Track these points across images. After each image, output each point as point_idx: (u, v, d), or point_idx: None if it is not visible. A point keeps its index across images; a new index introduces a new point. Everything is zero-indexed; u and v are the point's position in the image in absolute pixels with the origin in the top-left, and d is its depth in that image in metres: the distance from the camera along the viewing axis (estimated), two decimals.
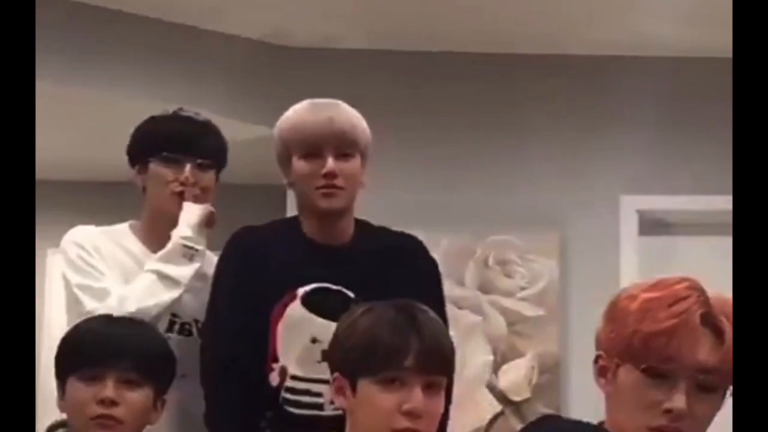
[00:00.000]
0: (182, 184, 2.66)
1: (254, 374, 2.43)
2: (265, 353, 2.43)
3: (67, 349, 2.32)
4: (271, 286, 2.45)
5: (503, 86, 5.22)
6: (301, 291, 2.43)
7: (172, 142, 2.69)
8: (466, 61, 5.24)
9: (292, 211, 5.05)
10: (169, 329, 2.64)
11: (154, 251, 2.68)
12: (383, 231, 2.59)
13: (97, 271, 2.61)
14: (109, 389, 2.20)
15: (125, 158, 2.80)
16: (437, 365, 2.00)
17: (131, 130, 2.80)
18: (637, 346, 1.73)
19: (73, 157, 6.33)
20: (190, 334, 2.66)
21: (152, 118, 2.77)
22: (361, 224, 2.58)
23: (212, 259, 2.72)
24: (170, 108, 2.81)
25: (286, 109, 2.67)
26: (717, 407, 1.78)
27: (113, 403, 2.20)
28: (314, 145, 2.47)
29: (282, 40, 5.16)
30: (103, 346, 2.25)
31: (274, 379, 2.43)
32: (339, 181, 2.46)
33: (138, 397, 2.24)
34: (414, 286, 2.36)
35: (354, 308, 2.11)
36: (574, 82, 5.23)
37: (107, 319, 2.41)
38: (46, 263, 6.73)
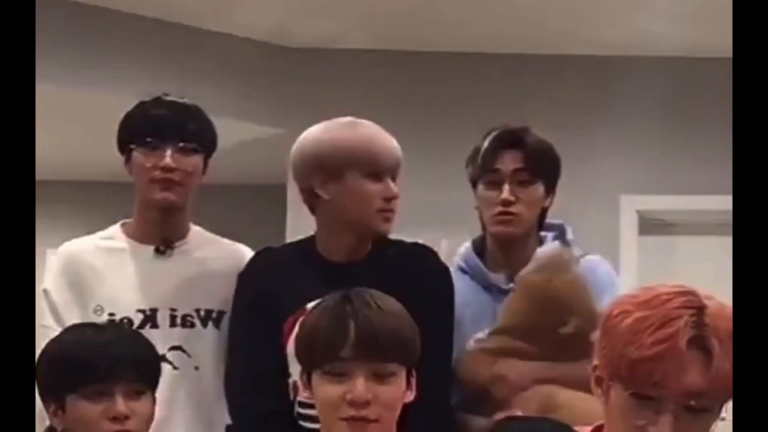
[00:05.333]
0: (162, 170, 2.57)
1: (275, 391, 2.45)
2: (283, 370, 2.46)
3: (61, 366, 2.19)
4: (285, 305, 2.47)
5: (503, 86, 5.23)
6: (309, 306, 2.45)
7: (152, 127, 2.60)
8: (466, 61, 5.25)
9: (292, 211, 5.11)
10: (172, 324, 2.61)
11: (145, 243, 2.65)
12: (398, 244, 2.60)
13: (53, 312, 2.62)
14: (120, 405, 2.14)
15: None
16: (379, 352, 1.95)
17: None
18: (623, 370, 1.69)
19: (73, 157, 6.34)
20: (192, 326, 2.63)
21: (137, 105, 2.70)
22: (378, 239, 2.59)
23: (217, 241, 2.71)
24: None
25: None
26: (709, 427, 1.75)
27: (126, 417, 2.17)
28: (381, 167, 2.48)
29: (282, 40, 5.16)
30: (106, 359, 2.16)
31: (288, 394, 2.46)
32: (394, 205, 2.50)
33: (144, 405, 2.19)
34: (423, 297, 2.37)
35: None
36: (574, 82, 5.24)
37: (93, 328, 2.33)
38: (45, 263, 6.74)
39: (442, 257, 2.67)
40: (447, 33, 5.09)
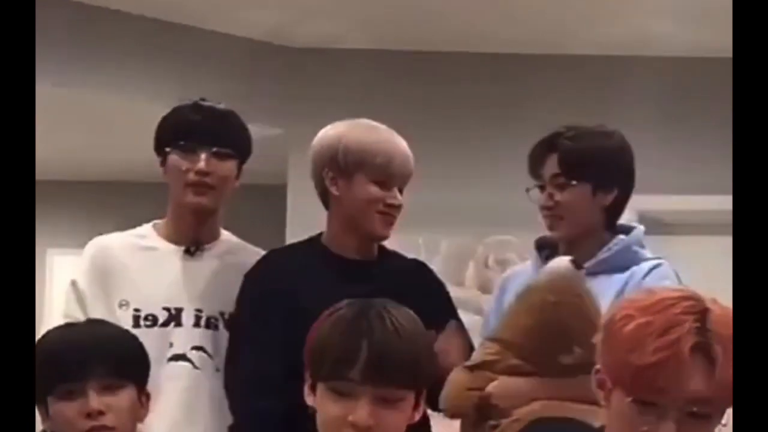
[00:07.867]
0: (197, 173, 2.61)
1: (284, 392, 2.43)
2: (300, 371, 2.45)
3: (39, 369, 2.07)
4: (303, 303, 2.45)
5: (503, 86, 5.22)
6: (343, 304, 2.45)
7: (188, 131, 2.63)
8: (466, 61, 5.24)
9: (292, 211, 5.11)
10: (196, 324, 2.63)
11: (176, 244, 2.68)
12: (398, 254, 2.67)
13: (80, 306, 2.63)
14: (92, 400, 2.13)
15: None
16: (389, 378, 1.86)
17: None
18: (626, 377, 1.68)
19: (73, 157, 6.34)
20: (216, 328, 2.63)
21: (174, 109, 2.73)
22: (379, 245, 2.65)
23: (246, 248, 2.72)
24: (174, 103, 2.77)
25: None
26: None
27: (100, 413, 2.16)
28: (390, 176, 2.52)
29: (282, 40, 5.16)
30: (73, 358, 2.16)
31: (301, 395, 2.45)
32: (396, 213, 2.55)
33: (123, 399, 2.18)
34: (433, 303, 2.39)
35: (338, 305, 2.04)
36: (574, 82, 5.23)
37: (64, 328, 2.32)
38: (45, 263, 6.74)
39: (443, 257, 2.70)
40: (447, 33, 5.09)
